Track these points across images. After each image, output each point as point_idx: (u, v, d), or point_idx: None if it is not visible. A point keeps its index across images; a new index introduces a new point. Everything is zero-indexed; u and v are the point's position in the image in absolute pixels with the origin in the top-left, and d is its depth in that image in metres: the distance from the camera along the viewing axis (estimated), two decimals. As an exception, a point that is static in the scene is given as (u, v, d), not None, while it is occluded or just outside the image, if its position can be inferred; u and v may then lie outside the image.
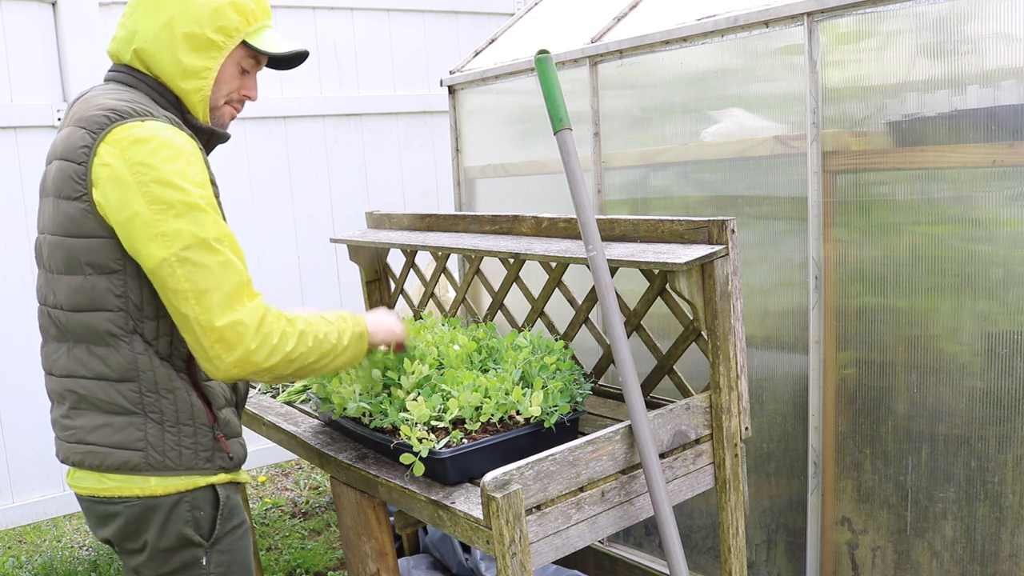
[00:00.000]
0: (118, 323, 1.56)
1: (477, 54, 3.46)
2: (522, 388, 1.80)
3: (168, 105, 1.66)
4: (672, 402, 1.84)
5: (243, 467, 1.74)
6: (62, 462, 1.64)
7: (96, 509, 1.62)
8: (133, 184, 1.49)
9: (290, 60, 1.78)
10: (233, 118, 1.78)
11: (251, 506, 4.04)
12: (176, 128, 1.58)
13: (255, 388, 2.58)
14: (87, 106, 1.59)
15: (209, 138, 1.74)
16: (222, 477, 1.64)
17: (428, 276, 2.78)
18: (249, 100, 1.78)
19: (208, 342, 1.52)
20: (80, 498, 1.66)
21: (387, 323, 1.88)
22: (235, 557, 1.67)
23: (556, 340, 2.04)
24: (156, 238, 1.49)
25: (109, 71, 1.72)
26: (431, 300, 2.78)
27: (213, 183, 1.62)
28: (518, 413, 1.78)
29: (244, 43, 1.69)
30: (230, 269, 1.53)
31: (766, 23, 2.27)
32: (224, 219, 1.59)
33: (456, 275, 3.21)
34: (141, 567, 1.61)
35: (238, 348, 1.53)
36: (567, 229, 2.10)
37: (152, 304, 1.57)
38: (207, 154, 1.69)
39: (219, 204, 1.61)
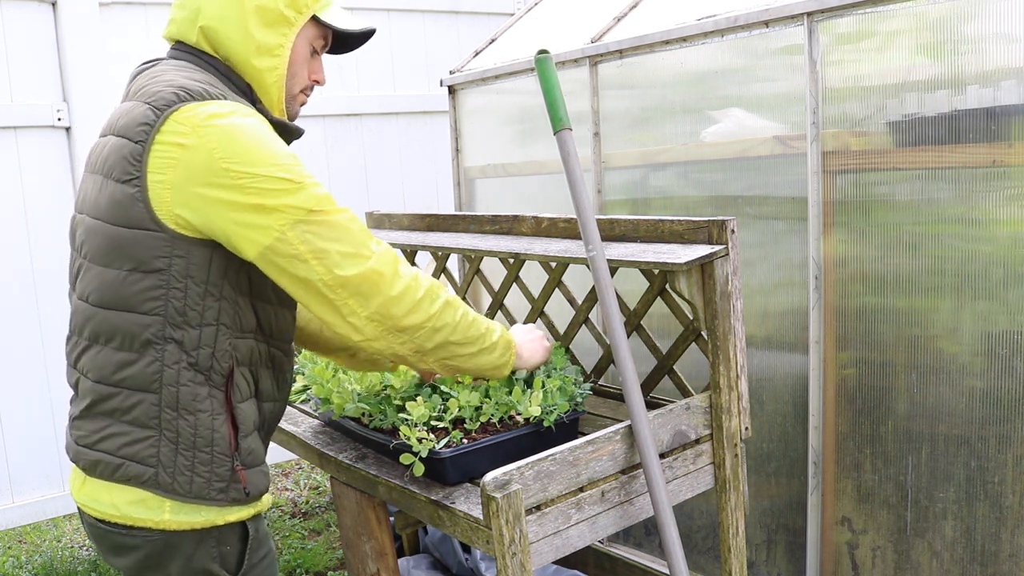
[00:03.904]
0: (151, 328, 1.40)
1: (477, 54, 3.46)
2: (522, 388, 1.80)
3: (239, 92, 1.52)
4: (672, 402, 1.84)
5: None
6: (72, 461, 1.50)
7: (110, 537, 1.47)
8: (214, 164, 1.35)
9: (354, 42, 1.65)
10: (304, 104, 1.64)
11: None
12: (250, 108, 1.46)
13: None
14: (153, 81, 1.44)
15: (281, 133, 1.56)
16: (247, 513, 1.50)
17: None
18: (318, 85, 1.64)
19: (340, 299, 1.40)
20: (91, 523, 1.50)
21: (536, 346, 1.79)
22: None
23: (556, 342, 2.04)
24: (257, 214, 1.36)
25: (171, 49, 1.57)
26: (431, 300, 2.78)
27: None
28: (518, 413, 1.78)
29: (314, 20, 1.56)
30: (343, 221, 1.41)
31: (766, 23, 2.27)
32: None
33: (456, 275, 3.21)
34: None
35: (376, 297, 1.42)
36: (567, 229, 2.10)
37: (196, 310, 1.41)
38: None
39: None
